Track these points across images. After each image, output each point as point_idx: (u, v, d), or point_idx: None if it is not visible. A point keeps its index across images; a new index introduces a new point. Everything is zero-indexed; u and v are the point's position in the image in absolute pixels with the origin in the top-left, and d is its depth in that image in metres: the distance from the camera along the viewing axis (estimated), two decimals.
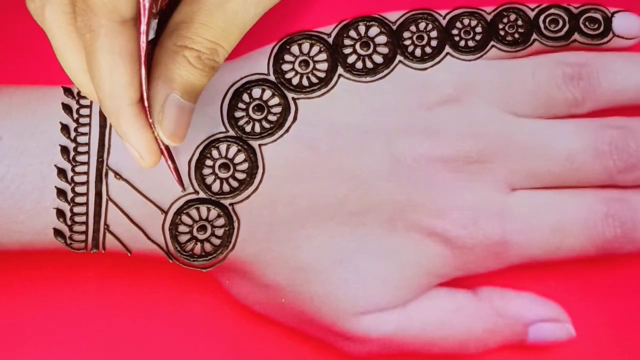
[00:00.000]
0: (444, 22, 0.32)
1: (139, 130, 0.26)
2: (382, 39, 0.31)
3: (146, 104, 0.26)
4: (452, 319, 0.29)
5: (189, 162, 0.29)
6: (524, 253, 0.30)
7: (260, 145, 0.30)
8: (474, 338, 0.29)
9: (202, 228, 0.29)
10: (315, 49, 0.31)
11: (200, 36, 0.26)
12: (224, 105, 0.30)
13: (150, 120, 0.26)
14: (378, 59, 0.31)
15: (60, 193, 0.29)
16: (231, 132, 0.30)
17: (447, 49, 0.31)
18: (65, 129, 0.29)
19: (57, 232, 0.29)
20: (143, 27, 0.25)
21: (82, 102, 0.30)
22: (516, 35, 0.32)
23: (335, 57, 0.31)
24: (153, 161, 0.27)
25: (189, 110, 0.27)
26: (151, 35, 0.26)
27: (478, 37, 0.32)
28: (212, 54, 0.26)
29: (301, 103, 0.30)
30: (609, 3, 0.32)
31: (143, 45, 0.25)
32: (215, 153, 0.30)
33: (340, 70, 0.31)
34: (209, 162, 0.29)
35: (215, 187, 0.29)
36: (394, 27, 0.32)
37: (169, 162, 0.28)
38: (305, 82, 0.31)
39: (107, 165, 0.29)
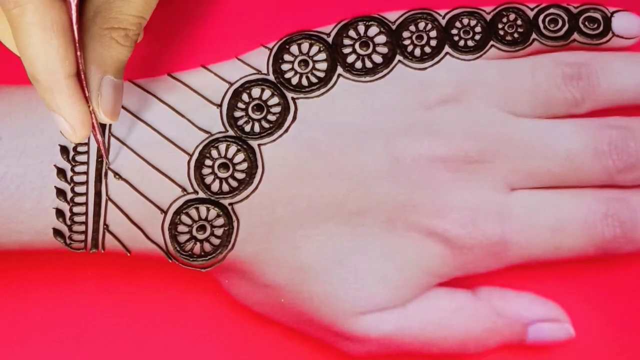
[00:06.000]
0: (443, 22, 0.32)
1: (75, 103, 0.26)
2: (381, 38, 0.31)
3: (82, 76, 0.26)
4: (451, 319, 0.29)
5: (189, 162, 0.29)
6: (524, 253, 0.30)
7: (259, 145, 0.30)
8: (473, 338, 0.29)
9: (202, 228, 0.29)
10: (315, 48, 0.31)
11: (124, 14, 0.26)
12: (224, 105, 0.30)
13: (88, 97, 0.26)
14: (377, 58, 0.31)
15: (60, 193, 0.29)
16: (230, 132, 0.30)
17: (447, 48, 0.31)
18: None
19: (57, 232, 0.29)
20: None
21: None
22: (515, 35, 0.32)
23: (335, 56, 0.31)
24: (85, 135, 0.27)
25: (121, 87, 0.27)
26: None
27: (477, 37, 0.32)
28: (138, 29, 0.27)
29: (300, 103, 0.30)
30: (609, 3, 0.32)
31: (74, 15, 0.25)
32: (214, 153, 0.30)
33: (339, 70, 0.31)
34: (208, 162, 0.29)
35: (215, 186, 0.29)
36: (394, 27, 0.32)
37: (99, 135, 0.28)
38: (304, 82, 0.31)
39: (106, 165, 0.29)
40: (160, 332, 0.31)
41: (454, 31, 0.32)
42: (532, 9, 0.32)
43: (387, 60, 0.31)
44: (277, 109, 0.30)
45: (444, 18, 0.32)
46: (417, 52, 0.31)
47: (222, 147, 0.30)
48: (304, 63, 0.31)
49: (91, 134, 0.28)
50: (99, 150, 0.29)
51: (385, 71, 0.31)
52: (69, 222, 0.29)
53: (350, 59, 0.31)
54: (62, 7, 0.25)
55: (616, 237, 0.30)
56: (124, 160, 0.29)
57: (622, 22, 0.32)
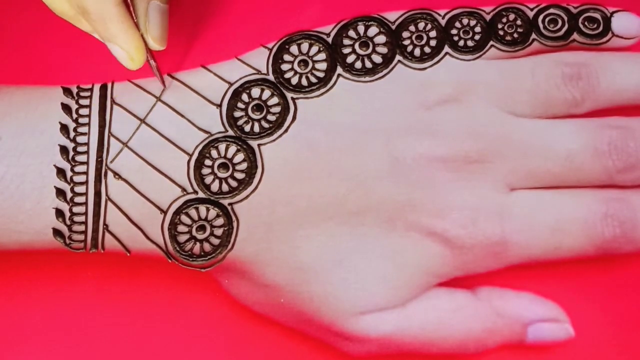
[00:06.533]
0: (443, 22, 0.32)
1: (127, 29, 0.28)
2: (381, 38, 0.31)
3: (130, 2, 0.27)
4: (451, 319, 0.29)
5: (188, 162, 0.29)
6: (524, 253, 0.30)
7: (259, 145, 0.30)
8: (473, 338, 0.29)
9: (201, 228, 0.29)
10: (315, 48, 0.31)
11: None
12: (223, 105, 0.30)
13: (136, 23, 0.28)
14: (377, 58, 0.31)
15: (60, 193, 0.29)
16: (230, 132, 0.30)
17: (446, 48, 0.31)
18: (64, 129, 0.29)
19: (57, 232, 0.29)
20: None
21: (82, 102, 0.30)
22: (515, 35, 0.32)
23: (335, 56, 0.31)
24: (141, 60, 0.29)
25: (167, 13, 0.29)
26: None
27: (477, 37, 0.32)
28: None
29: (300, 103, 0.30)
30: (608, 3, 0.32)
31: None
32: (214, 153, 0.30)
33: (339, 70, 0.31)
34: (208, 162, 0.29)
35: (215, 186, 0.29)
36: (393, 27, 0.32)
37: (152, 61, 0.30)
38: (304, 82, 0.31)
39: (106, 165, 0.29)
40: (160, 332, 0.31)
41: (454, 31, 0.32)
42: (531, 9, 0.32)
43: (387, 60, 0.31)
44: (277, 109, 0.30)
45: (443, 18, 0.32)
46: (417, 52, 0.31)
47: (222, 147, 0.30)
48: (304, 63, 0.31)
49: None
50: (98, 149, 0.29)
51: (385, 71, 0.31)
52: (68, 222, 0.29)
53: (350, 59, 0.31)
54: None
55: (616, 237, 0.30)
56: (124, 160, 0.29)
57: (622, 22, 0.32)
